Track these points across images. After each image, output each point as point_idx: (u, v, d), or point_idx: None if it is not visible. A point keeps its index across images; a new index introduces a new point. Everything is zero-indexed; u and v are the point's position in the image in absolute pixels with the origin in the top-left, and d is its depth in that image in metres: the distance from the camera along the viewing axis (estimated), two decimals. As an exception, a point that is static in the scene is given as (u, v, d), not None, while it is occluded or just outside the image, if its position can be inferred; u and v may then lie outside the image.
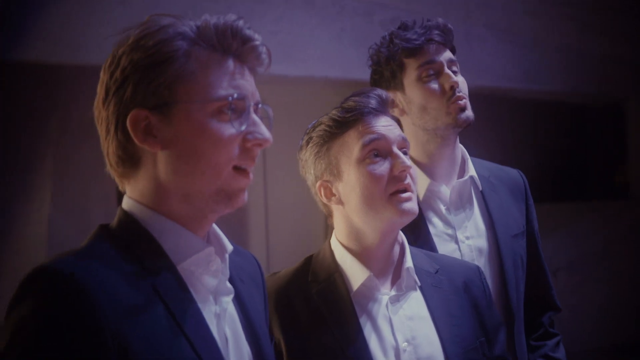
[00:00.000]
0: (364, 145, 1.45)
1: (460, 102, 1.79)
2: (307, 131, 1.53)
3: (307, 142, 1.52)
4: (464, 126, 1.81)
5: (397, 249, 1.53)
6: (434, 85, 1.80)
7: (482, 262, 1.80)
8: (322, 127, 1.50)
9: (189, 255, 1.07)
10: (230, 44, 1.06)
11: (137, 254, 1.03)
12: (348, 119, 1.47)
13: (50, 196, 3.85)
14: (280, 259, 4.21)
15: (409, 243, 1.58)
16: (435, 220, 1.82)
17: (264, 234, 4.54)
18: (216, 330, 1.08)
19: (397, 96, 1.83)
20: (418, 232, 1.75)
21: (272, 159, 4.45)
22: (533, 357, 1.90)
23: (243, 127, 1.05)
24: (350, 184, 1.47)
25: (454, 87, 1.80)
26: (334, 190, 1.49)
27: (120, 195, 1.13)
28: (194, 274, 1.07)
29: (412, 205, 1.45)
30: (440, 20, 1.85)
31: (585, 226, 4.99)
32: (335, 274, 1.50)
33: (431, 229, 1.79)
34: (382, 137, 1.46)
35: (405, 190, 1.45)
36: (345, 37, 3.66)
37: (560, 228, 4.82)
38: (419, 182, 1.82)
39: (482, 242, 1.83)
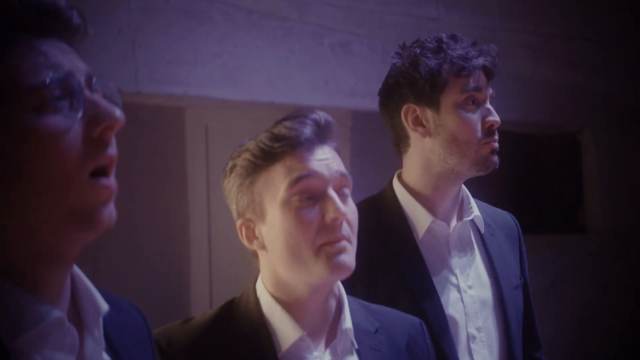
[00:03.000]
0: (291, 184, 1.25)
1: (494, 143, 1.67)
2: (233, 155, 1.34)
3: (231, 170, 1.33)
4: (489, 171, 1.70)
5: (332, 303, 1.34)
6: (474, 117, 1.67)
7: (484, 316, 1.69)
8: (247, 155, 1.30)
9: (28, 327, 0.80)
10: (26, 19, 0.82)
11: None
12: (275, 149, 1.27)
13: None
14: (225, 298, 4.14)
15: (404, 289, 1.48)
16: (436, 264, 1.68)
17: (206, 270, 4.46)
18: None
19: (427, 113, 1.68)
20: (418, 277, 1.64)
21: (215, 189, 4.39)
22: None
23: (79, 114, 0.81)
24: (274, 228, 1.26)
25: (493, 127, 1.67)
26: (256, 233, 1.30)
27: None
28: (40, 352, 0.82)
29: (345, 258, 1.24)
30: (494, 47, 1.72)
31: (539, 260, 5.05)
32: (261, 328, 1.29)
33: (432, 274, 1.65)
34: (313, 175, 1.25)
35: (337, 241, 1.24)
36: (293, 61, 3.65)
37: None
38: (419, 218, 1.69)
39: (486, 293, 1.71)
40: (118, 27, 3.14)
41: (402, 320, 1.46)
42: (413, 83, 1.68)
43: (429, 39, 1.71)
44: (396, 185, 1.77)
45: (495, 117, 1.68)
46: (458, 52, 1.66)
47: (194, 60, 3.33)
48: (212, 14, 3.44)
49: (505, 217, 1.90)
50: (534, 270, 5.01)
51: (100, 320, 0.90)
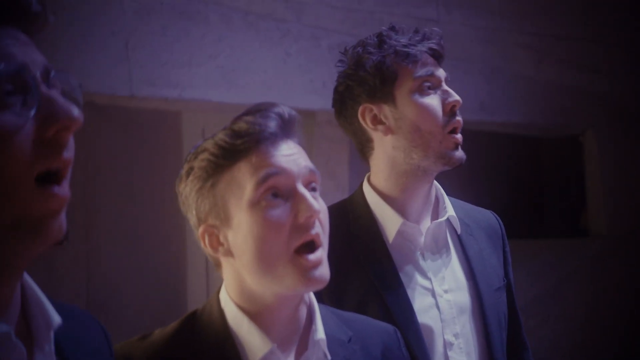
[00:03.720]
0: (259, 184, 1.16)
1: (456, 136, 1.62)
2: (188, 158, 1.24)
3: (188, 174, 1.23)
4: (455, 166, 1.64)
5: (303, 311, 1.26)
6: (433, 102, 1.61)
7: (462, 321, 1.62)
8: (206, 155, 1.21)
9: None
10: None
11: None
12: (238, 146, 1.18)
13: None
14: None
15: (374, 296, 1.42)
16: (408, 268, 1.61)
17: (203, 274, 4.44)
18: None
19: (384, 110, 1.63)
20: (388, 283, 1.57)
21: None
22: None
23: (32, 111, 0.73)
24: (241, 233, 1.17)
25: (455, 107, 1.63)
26: (221, 239, 1.21)
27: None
28: None
29: (322, 272, 1.17)
30: (436, 29, 1.68)
31: (541, 265, 5.02)
32: (227, 342, 1.20)
33: (404, 280, 1.59)
34: (282, 172, 1.17)
35: (313, 247, 1.17)
36: (290, 63, 3.61)
37: (515, 267, 4.83)
38: (389, 221, 1.64)
39: (463, 296, 1.64)
40: (111, 29, 3.11)
41: (376, 328, 1.38)
42: (363, 82, 1.64)
43: (369, 37, 1.67)
44: (366, 188, 1.72)
45: (454, 97, 1.63)
46: (401, 41, 1.63)
47: (189, 62, 3.29)
48: (208, 15, 3.41)
49: (487, 216, 1.81)
50: (536, 274, 5.01)
51: (52, 334, 0.83)
